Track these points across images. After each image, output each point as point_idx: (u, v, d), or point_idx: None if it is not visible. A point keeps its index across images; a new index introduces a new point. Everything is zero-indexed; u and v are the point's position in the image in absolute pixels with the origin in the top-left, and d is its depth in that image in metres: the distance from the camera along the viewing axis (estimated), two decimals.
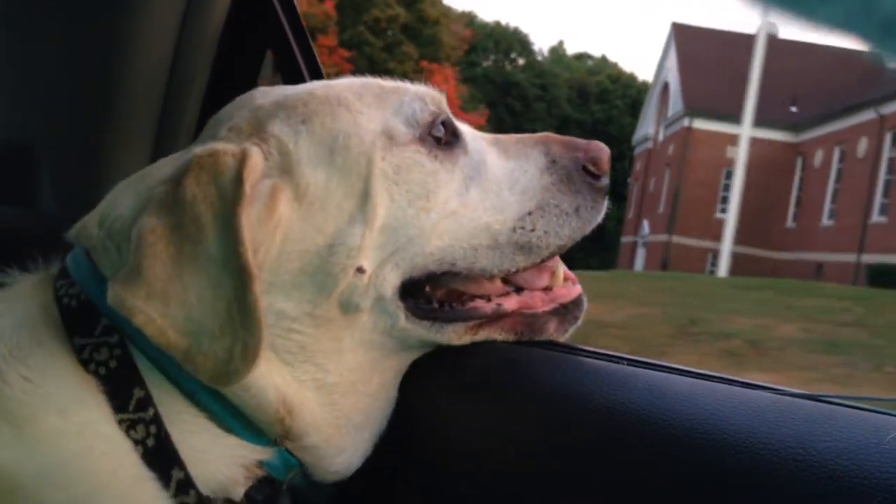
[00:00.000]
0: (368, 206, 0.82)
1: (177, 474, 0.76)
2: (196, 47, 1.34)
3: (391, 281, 0.84)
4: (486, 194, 0.89)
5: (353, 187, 0.82)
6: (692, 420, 0.69)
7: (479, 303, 0.91)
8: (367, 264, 0.82)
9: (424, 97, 0.90)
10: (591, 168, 0.93)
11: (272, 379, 0.80)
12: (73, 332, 0.78)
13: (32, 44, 1.29)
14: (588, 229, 0.93)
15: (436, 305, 0.89)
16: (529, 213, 0.90)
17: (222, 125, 0.86)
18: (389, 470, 0.88)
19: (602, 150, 0.95)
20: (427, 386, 0.89)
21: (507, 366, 0.87)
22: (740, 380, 0.82)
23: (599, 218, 0.94)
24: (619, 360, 0.87)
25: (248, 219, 0.74)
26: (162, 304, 0.71)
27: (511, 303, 0.92)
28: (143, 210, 0.76)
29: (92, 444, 0.74)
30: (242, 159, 0.76)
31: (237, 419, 0.80)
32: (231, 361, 0.71)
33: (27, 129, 1.36)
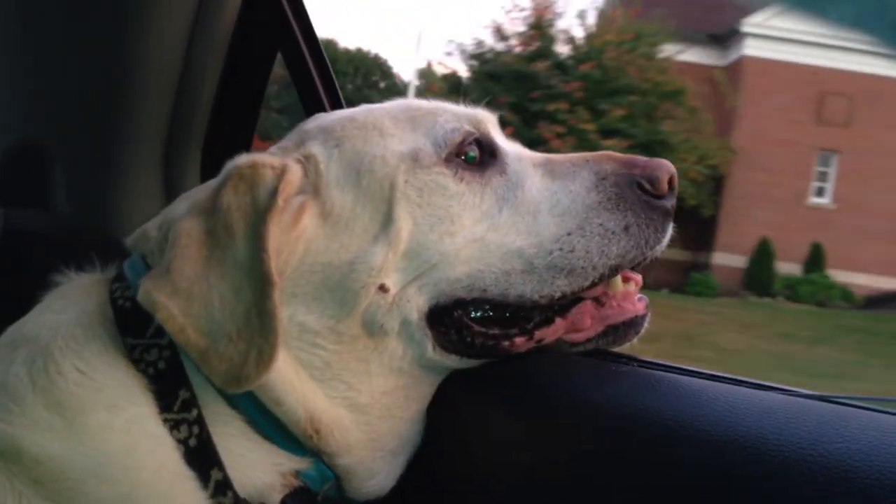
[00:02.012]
0: (392, 229, 0.83)
1: (216, 475, 0.78)
2: (206, 50, 1.35)
3: (416, 304, 0.84)
4: (519, 217, 0.86)
5: (377, 210, 0.84)
6: (702, 420, 0.69)
7: (518, 340, 0.86)
8: (391, 283, 0.83)
9: (461, 117, 0.89)
10: (647, 186, 0.88)
11: (301, 394, 0.81)
12: (126, 332, 0.81)
13: (46, 48, 1.30)
14: (648, 250, 0.86)
15: (467, 339, 0.86)
16: (568, 234, 0.86)
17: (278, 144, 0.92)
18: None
19: (661, 167, 0.89)
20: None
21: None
22: (751, 381, 0.82)
23: (662, 238, 0.87)
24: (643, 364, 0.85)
25: (276, 228, 0.78)
26: (185, 303, 0.74)
27: (553, 331, 0.87)
28: (186, 214, 0.81)
29: (138, 440, 0.76)
30: (281, 173, 0.80)
31: (276, 428, 0.82)
32: (245, 366, 0.73)
33: (41, 131, 1.37)
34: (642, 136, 12.99)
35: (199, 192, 0.87)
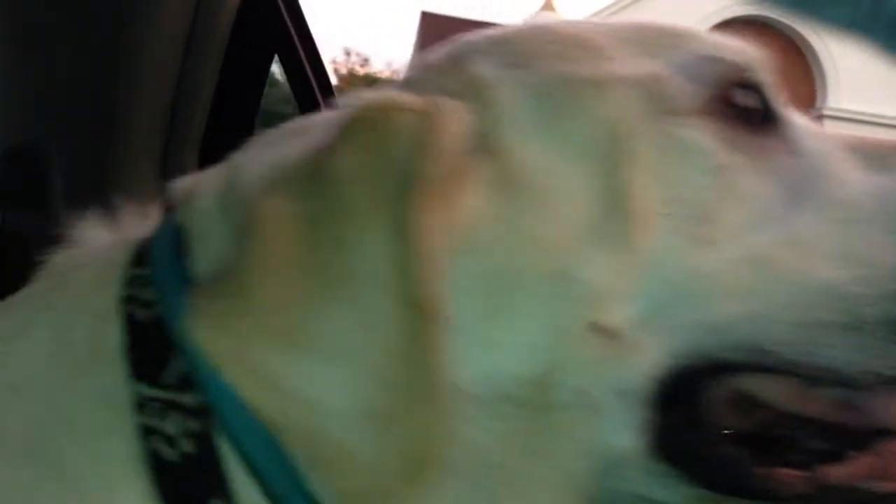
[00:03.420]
0: (621, 216, 0.48)
1: None
2: (204, 53, 1.35)
3: (651, 362, 0.47)
4: (833, 227, 0.50)
5: (592, 177, 0.48)
6: None
7: (786, 474, 0.48)
8: (615, 320, 0.47)
9: (725, 48, 0.54)
10: None
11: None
12: (140, 373, 0.46)
13: (43, 50, 1.30)
14: None
15: (706, 443, 0.48)
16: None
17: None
18: None
19: None
20: None
21: None
22: None
23: None
24: None
25: (432, 214, 0.43)
26: (278, 351, 0.41)
27: (846, 471, 0.49)
28: (270, 183, 0.46)
29: None
30: (433, 119, 0.45)
31: None
32: (394, 466, 0.40)
33: (38, 134, 1.37)
34: None
35: (288, 138, 0.52)
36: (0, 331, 0.51)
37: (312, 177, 0.44)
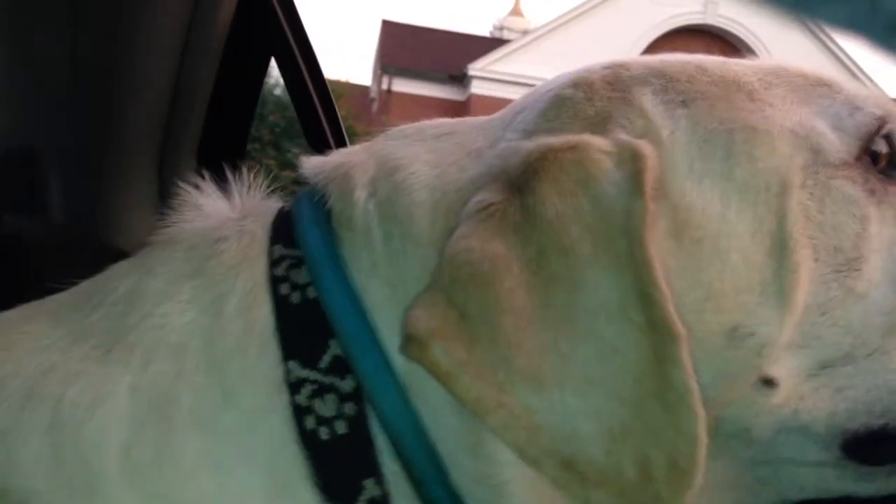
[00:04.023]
0: (787, 267, 0.49)
1: None
2: (201, 56, 1.35)
3: (822, 419, 0.50)
4: None
5: (762, 225, 0.49)
6: None
7: None
8: (781, 376, 0.49)
9: (865, 97, 0.56)
10: None
11: None
12: (291, 352, 0.49)
13: (39, 53, 1.30)
14: None
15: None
16: None
17: (546, 97, 0.55)
18: None
19: None
20: None
21: None
22: None
23: None
24: None
25: (657, 248, 0.46)
26: (531, 390, 0.43)
27: None
28: (461, 221, 0.47)
29: None
30: (631, 159, 0.47)
31: None
32: (652, 481, 0.42)
33: (35, 138, 1.37)
34: None
35: (444, 154, 0.54)
36: (145, 287, 0.53)
37: (518, 219, 0.46)
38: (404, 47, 21.23)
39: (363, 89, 22.07)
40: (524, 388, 0.43)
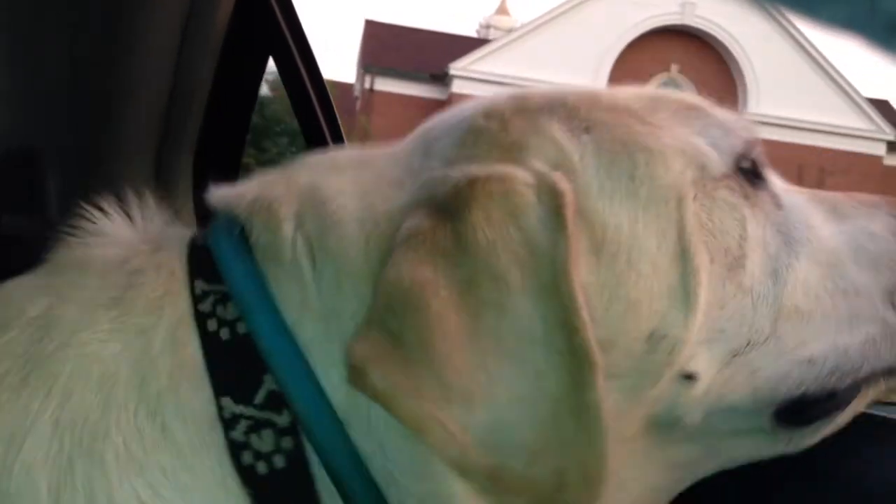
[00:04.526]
0: (690, 275, 0.54)
1: None
2: (198, 56, 1.35)
3: (748, 398, 0.57)
4: (824, 269, 0.60)
5: (665, 236, 0.55)
6: None
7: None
8: (700, 368, 0.55)
9: (732, 120, 0.64)
10: None
11: None
12: (223, 388, 0.50)
13: (37, 53, 1.30)
14: None
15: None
16: (891, 293, 0.61)
17: (457, 127, 0.59)
18: None
19: None
20: None
21: None
22: None
23: None
24: None
25: (580, 278, 0.50)
26: (463, 409, 0.46)
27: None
28: (394, 247, 0.50)
29: None
30: (552, 192, 0.51)
31: None
32: (566, 489, 0.47)
33: (32, 137, 1.37)
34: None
35: (362, 184, 0.56)
36: (59, 312, 0.52)
37: (451, 247, 0.49)
38: (386, 47, 21.34)
39: (348, 87, 22.11)
40: (457, 406, 0.46)
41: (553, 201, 0.51)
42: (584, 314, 0.48)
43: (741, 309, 0.56)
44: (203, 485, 0.48)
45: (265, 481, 0.48)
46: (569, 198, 0.51)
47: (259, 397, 0.50)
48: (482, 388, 0.47)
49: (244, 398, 0.50)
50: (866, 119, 23.30)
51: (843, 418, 0.61)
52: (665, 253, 0.55)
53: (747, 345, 0.56)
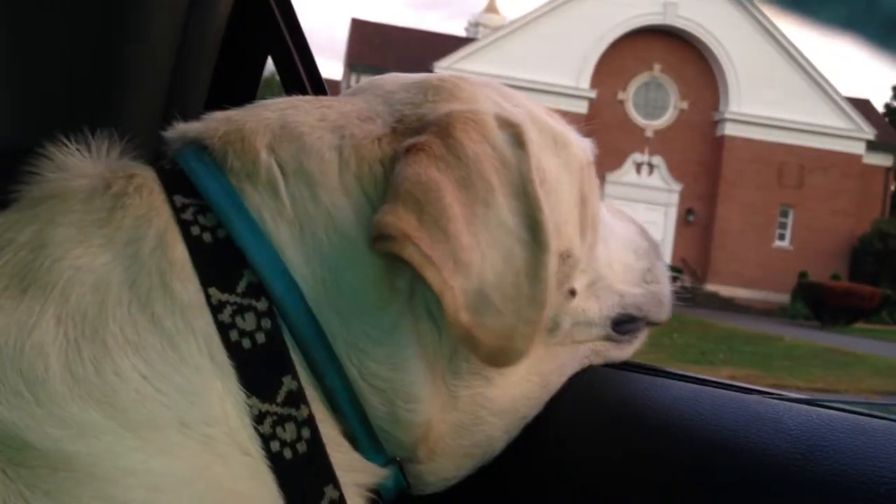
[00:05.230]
0: (585, 213, 0.77)
1: (330, 493, 0.62)
2: (197, 55, 1.36)
3: (594, 316, 0.80)
4: (623, 245, 0.87)
5: (574, 187, 0.77)
6: (689, 423, 0.71)
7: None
8: (579, 288, 0.78)
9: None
10: None
11: (434, 390, 0.67)
12: (209, 280, 0.60)
13: (36, 52, 1.30)
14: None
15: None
16: (649, 270, 0.88)
17: (399, 88, 0.75)
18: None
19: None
20: None
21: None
22: (738, 385, 0.84)
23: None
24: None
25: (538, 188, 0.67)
26: (464, 278, 0.59)
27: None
28: (399, 156, 0.63)
29: (220, 461, 0.58)
30: (510, 124, 0.68)
31: (366, 433, 0.66)
32: (514, 339, 0.62)
33: (32, 136, 1.36)
34: None
35: (325, 118, 0.69)
36: (50, 235, 0.61)
37: (450, 155, 0.63)
38: (372, 45, 21.32)
39: (335, 85, 22.24)
40: (461, 276, 0.59)
41: (513, 129, 0.67)
42: (547, 209, 0.65)
43: (596, 254, 0.79)
44: (190, 360, 0.58)
45: (249, 354, 0.60)
46: (525, 127, 0.68)
47: (241, 286, 0.61)
48: (476, 262, 0.60)
49: (228, 287, 0.61)
50: (846, 118, 23.49)
51: (639, 341, 0.87)
52: (574, 196, 0.75)
53: (598, 279, 0.79)
